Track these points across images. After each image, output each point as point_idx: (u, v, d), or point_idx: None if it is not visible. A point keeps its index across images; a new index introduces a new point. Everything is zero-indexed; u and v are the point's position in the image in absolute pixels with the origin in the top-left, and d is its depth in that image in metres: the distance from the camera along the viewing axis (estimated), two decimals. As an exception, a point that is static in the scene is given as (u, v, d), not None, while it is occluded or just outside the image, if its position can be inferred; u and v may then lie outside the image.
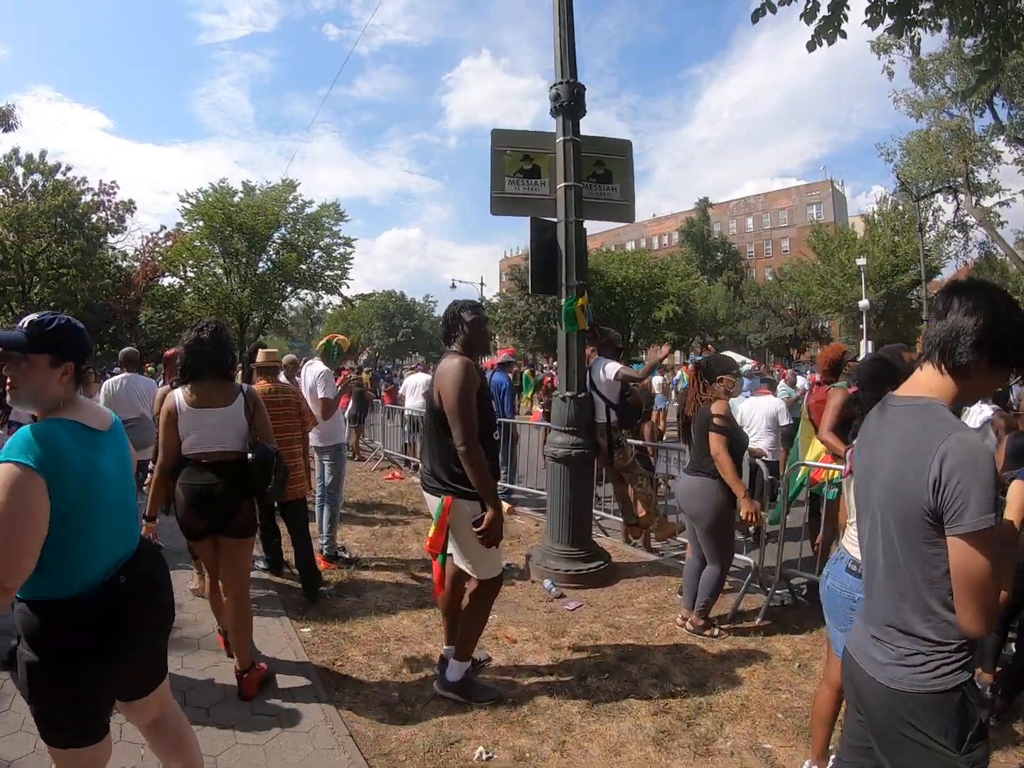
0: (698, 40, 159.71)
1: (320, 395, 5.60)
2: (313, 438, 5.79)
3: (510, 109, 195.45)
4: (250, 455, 3.52)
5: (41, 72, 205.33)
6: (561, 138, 5.83)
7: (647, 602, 5.17)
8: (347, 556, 5.85)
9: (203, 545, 3.63)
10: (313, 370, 5.78)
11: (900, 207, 34.32)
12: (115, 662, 2.02)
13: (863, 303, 29.96)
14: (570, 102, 5.78)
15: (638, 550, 6.64)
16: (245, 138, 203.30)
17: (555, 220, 5.87)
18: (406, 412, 11.12)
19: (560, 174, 5.82)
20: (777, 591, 5.04)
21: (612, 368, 5.97)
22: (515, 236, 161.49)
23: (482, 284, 47.34)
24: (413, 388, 11.07)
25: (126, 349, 7.17)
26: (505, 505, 8.02)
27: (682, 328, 42.12)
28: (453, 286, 44.78)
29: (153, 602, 2.20)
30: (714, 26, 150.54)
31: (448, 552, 3.54)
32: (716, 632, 4.54)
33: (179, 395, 3.55)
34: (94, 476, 1.97)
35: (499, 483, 8.59)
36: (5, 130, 19.02)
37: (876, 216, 36.96)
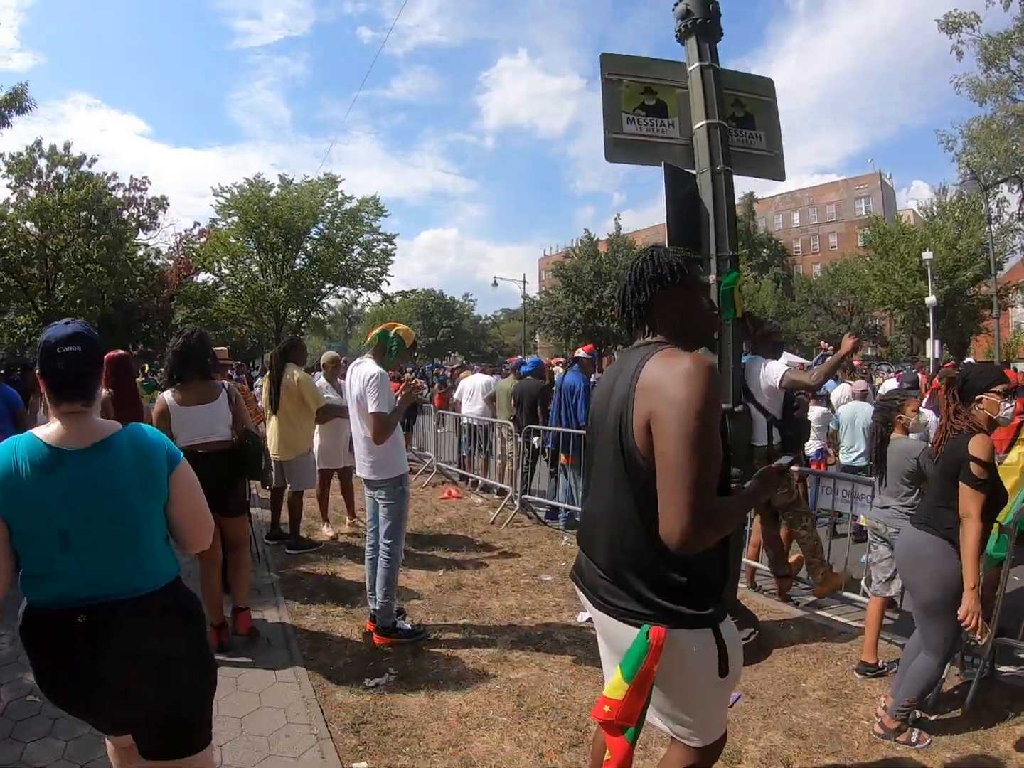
0: (731, 36, 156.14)
1: (371, 408, 3.91)
2: (363, 469, 4.20)
3: (544, 109, 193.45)
4: (246, 441, 4.10)
5: (78, 80, 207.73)
6: (696, 64, 4.34)
7: (821, 687, 3.85)
8: (408, 627, 4.26)
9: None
10: (362, 372, 4.06)
11: (965, 197, 32.24)
12: (62, 693, 1.92)
13: (930, 299, 27.79)
14: (704, 19, 4.30)
15: (773, 600, 5.17)
16: (281, 141, 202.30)
17: (692, 171, 4.40)
18: (463, 420, 9.63)
19: (699, 110, 4.32)
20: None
21: (775, 371, 4.39)
22: (552, 235, 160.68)
23: (524, 282, 46.26)
24: (471, 392, 9.64)
25: None
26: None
27: (732, 326, 40.81)
28: (495, 283, 43.87)
29: (117, 669, 1.86)
30: (748, 22, 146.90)
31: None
32: (914, 738, 3.25)
33: (168, 396, 4.04)
34: (36, 499, 1.79)
35: (568, 506, 7.15)
36: (19, 111, 17.80)
37: (935, 208, 34.85)
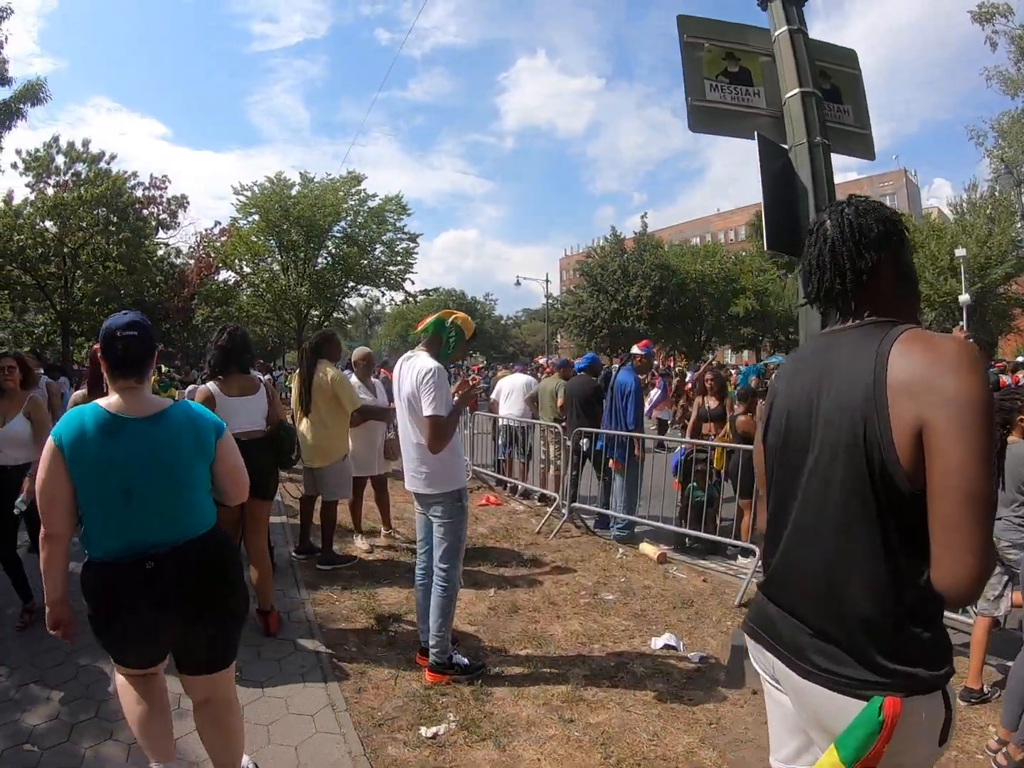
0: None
1: (427, 411, 3.33)
2: (415, 482, 3.62)
3: (563, 109, 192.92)
4: (280, 433, 4.32)
5: (97, 84, 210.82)
6: (785, 28, 3.90)
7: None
8: (465, 661, 3.69)
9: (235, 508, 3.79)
10: (415, 367, 3.48)
11: (997, 193, 31.27)
12: (116, 634, 2.22)
13: (963, 297, 26.86)
14: (791, -20, 3.80)
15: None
16: (300, 143, 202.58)
17: (784, 145, 3.95)
18: (501, 421, 9.06)
19: (791, 77, 3.86)
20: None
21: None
22: (571, 236, 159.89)
23: (547, 281, 45.94)
24: (508, 393, 9.05)
25: None
26: (653, 550, 5.99)
27: (758, 325, 40.10)
28: (518, 283, 43.66)
29: (176, 603, 2.20)
30: (764, 18, 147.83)
31: None
32: None
33: (213, 387, 4.21)
34: (102, 460, 2.13)
35: (624, 515, 6.47)
36: (33, 104, 17.55)
37: (964, 205, 33.91)
